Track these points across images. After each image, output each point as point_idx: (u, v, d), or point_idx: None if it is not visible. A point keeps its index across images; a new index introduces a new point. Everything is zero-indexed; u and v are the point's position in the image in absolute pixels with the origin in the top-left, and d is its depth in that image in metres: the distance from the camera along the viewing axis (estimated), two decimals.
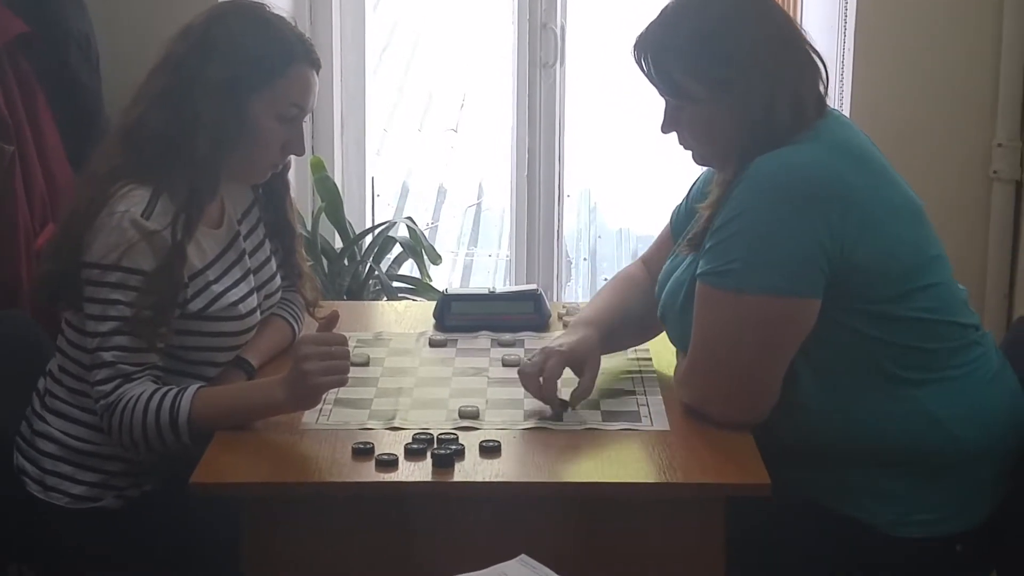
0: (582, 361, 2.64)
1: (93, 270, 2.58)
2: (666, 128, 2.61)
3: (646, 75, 2.57)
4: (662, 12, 2.57)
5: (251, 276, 2.81)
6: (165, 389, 2.57)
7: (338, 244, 4.35)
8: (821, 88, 2.58)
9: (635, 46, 2.57)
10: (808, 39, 2.60)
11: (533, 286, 3.25)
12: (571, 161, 4.94)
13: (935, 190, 3.91)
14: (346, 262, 4.25)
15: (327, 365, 2.49)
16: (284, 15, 2.76)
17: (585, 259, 6.65)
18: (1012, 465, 2.59)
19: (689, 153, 2.65)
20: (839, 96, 4.12)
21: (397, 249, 4.42)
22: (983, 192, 4.03)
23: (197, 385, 2.60)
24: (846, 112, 4.04)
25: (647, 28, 2.57)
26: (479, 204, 7.21)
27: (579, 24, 4.83)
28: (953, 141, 4.04)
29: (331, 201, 4.26)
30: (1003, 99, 3.95)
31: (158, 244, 2.58)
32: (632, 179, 7.21)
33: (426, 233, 4.65)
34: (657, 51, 2.54)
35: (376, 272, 4.26)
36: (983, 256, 4.02)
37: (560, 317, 3.13)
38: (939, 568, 2.55)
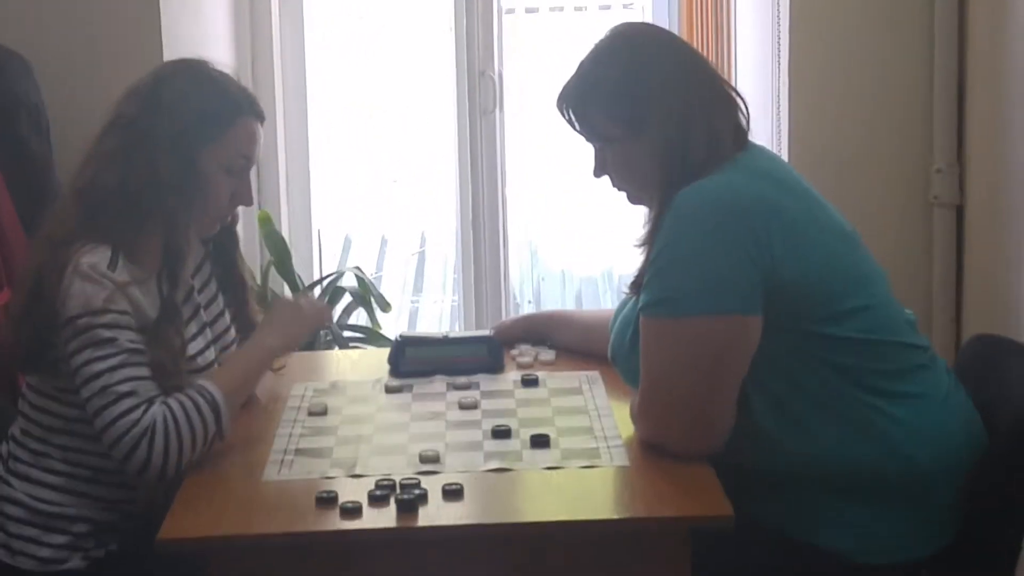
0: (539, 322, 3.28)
1: (79, 320, 2.56)
2: (597, 172, 2.74)
3: (570, 124, 2.72)
4: (579, 65, 2.72)
5: (207, 329, 2.83)
6: (183, 394, 2.59)
7: (288, 296, 4.35)
8: (742, 122, 2.69)
9: (558, 100, 2.72)
10: (722, 77, 2.74)
11: (486, 331, 3.27)
12: (511, 205, 4.97)
13: (877, 217, 3.97)
14: None
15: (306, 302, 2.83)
16: (227, 71, 2.81)
17: (530, 302, 6.68)
18: (970, 487, 2.60)
19: (624, 195, 2.77)
20: (776, 129, 4.17)
21: (346, 299, 4.43)
22: (924, 217, 4.07)
23: (202, 380, 2.65)
24: (784, 143, 4.09)
25: (567, 82, 2.71)
26: (422, 252, 7.23)
27: (516, 71, 4.88)
28: (892, 168, 4.09)
29: (279, 254, 4.27)
30: (938, 125, 4.01)
31: (130, 295, 2.60)
32: (571, 221, 7.25)
33: None
34: (576, 101, 2.69)
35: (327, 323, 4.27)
36: (928, 281, 4.06)
37: (514, 359, 3.15)
38: None
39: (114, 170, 2.66)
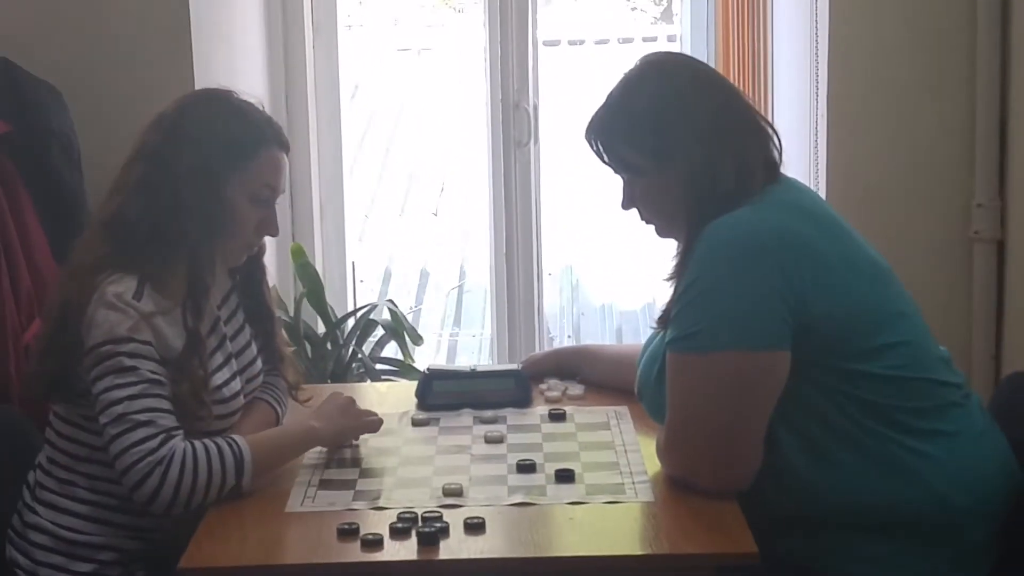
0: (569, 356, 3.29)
1: (102, 348, 2.57)
2: (625, 204, 2.72)
3: (598, 156, 2.70)
4: (607, 96, 2.70)
5: (233, 360, 2.82)
6: (210, 439, 2.58)
7: (321, 329, 4.35)
8: (774, 155, 2.66)
9: (586, 131, 2.70)
10: (754, 108, 2.70)
11: (515, 365, 3.24)
12: (551, 239, 4.95)
13: (917, 252, 3.94)
14: (329, 346, 4.25)
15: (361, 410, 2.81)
16: (252, 100, 2.81)
17: (569, 336, 6.65)
18: (1004, 527, 2.57)
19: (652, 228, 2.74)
20: (814, 161, 4.14)
21: (379, 332, 4.42)
22: (965, 253, 4.03)
23: (237, 436, 2.64)
24: (822, 176, 4.06)
25: (595, 113, 2.70)
26: (461, 285, 7.22)
27: (551, 103, 4.86)
28: (932, 203, 4.05)
29: (312, 287, 4.27)
30: (980, 159, 3.97)
31: (155, 326, 2.60)
32: (613, 255, 7.23)
33: (409, 316, 4.66)
34: (604, 133, 2.67)
35: (359, 355, 4.26)
36: (968, 317, 4.02)
37: (542, 393, 3.13)
38: None
39: (139, 200, 2.67)
